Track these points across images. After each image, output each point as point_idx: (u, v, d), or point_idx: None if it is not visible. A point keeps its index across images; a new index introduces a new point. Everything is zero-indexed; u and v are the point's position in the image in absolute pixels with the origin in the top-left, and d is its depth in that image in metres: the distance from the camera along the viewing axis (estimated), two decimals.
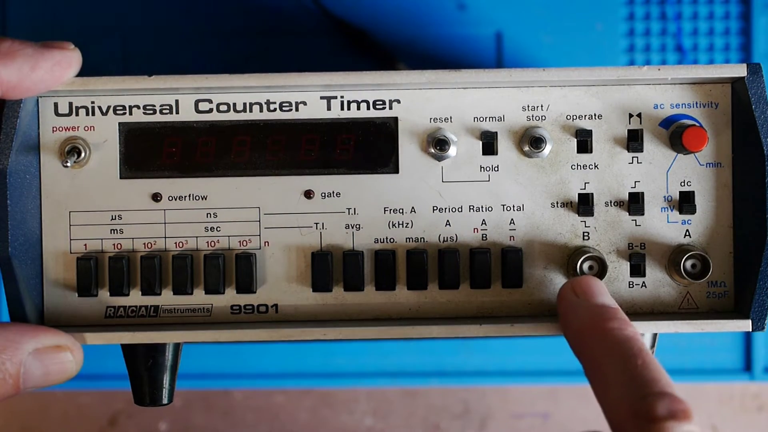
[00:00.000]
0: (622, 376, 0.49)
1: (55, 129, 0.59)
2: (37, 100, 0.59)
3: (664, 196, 0.59)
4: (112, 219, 0.59)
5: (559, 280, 0.59)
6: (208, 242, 0.59)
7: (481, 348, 0.85)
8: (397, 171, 0.59)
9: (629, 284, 0.60)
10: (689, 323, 0.58)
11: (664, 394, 0.48)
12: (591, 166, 0.59)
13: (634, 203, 0.59)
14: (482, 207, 0.59)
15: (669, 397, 0.48)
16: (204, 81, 0.58)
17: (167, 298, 0.59)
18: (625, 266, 0.60)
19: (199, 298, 0.59)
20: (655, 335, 0.59)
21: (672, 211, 0.59)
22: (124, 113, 0.59)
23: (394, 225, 0.60)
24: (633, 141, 0.59)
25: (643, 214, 0.59)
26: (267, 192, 0.59)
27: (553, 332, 0.58)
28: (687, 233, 0.59)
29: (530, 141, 0.59)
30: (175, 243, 0.59)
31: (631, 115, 0.59)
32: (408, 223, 0.60)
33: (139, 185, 0.59)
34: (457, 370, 0.85)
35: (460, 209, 0.59)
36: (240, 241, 0.59)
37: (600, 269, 0.58)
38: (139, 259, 0.59)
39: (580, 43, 0.83)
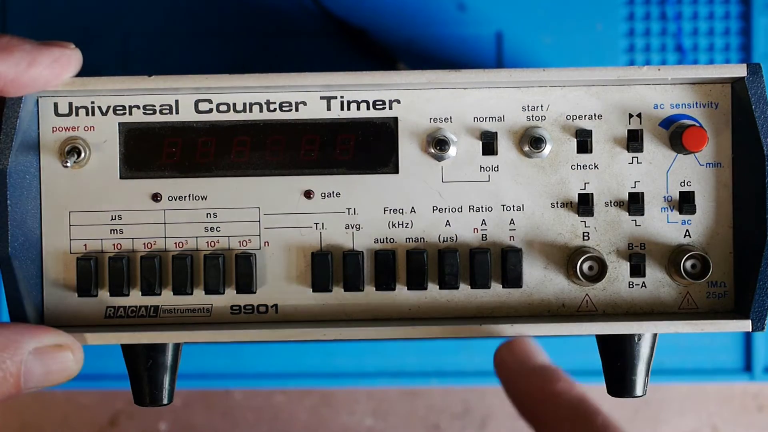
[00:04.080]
0: None
1: (55, 129, 0.59)
2: (37, 100, 0.59)
3: (664, 196, 0.59)
4: (112, 219, 0.59)
5: (559, 280, 0.60)
6: (208, 242, 0.59)
7: (481, 348, 0.85)
8: (397, 171, 0.59)
9: (629, 284, 0.60)
10: (689, 323, 0.58)
11: None
12: (591, 166, 0.59)
13: (634, 203, 0.59)
14: (482, 207, 0.59)
15: None
16: (204, 81, 0.58)
17: (167, 298, 0.59)
18: (625, 266, 0.60)
19: (199, 298, 0.59)
20: (655, 335, 0.59)
21: (672, 211, 0.59)
22: (124, 113, 0.59)
23: (394, 225, 0.60)
24: (633, 141, 0.59)
25: (643, 214, 0.59)
26: (267, 192, 0.59)
27: (554, 332, 0.58)
28: (687, 233, 0.59)
29: (530, 141, 0.59)
30: (175, 243, 0.59)
31: (631, 115, 0.59)
32: (408, 223, 0.60)
33: (139, 185, 0.59)
34: (457, 370, 0.85)
35: (460, 209, 0.59)
36: (240, 241, 0.59)
37: (600, 269, 0.58)
38: (139, 259, 0.59)
39: (580, 43, 0.83)
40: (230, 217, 0.59)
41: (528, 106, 0.59)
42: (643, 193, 0.59)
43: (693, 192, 0.59)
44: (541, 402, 0.49)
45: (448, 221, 0.60)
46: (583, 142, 0.59)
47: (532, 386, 0.50)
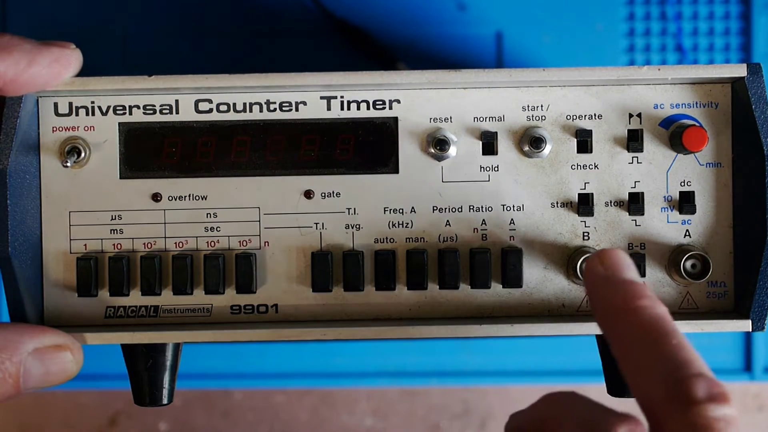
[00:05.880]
0: (656, 358, 0.46)
1: (55, 129, 0.59)
2: (37, 100, 0.59)
3: (664, 196, 0.59)
4: (112, 219, 0.59)
5: (559, 280, 0.60)
6: (208, 242, 0.59)
7: (481, 348, 0.85)
8: (397, 171, 0.59)
9: None
10: (689, 323, 0.58)
11: (702, 376, 0.45)
12: (591, 166, 0.59)
13: (634, 203, 0.59)
14: (482, 207, 0.59)
15: (706, 379, 0.45)
16: (204, 81, 0.58)
17: (167, 298, 0.59)
18: None
19: (199, 298, 0.59)
20: None
21: (672, 211, 0.59)
22: (124, 113, 0.59)
23: (394, 225, 0.60)
24: (633, 141, 0.59)
25: (643, 214, 0.59)
26: (267, 192, 0.59)
27: (554, 332, 0.58)
28: (687, 233, 0.59)
29: (530, 141, 0.59)
30: (175, 243, 0.59)
31: (631, 115, 0.59)
32: (408, 223, 0.60)
33: (139, 185, 0.59)
34: (457, 370, 0.85)
35: (460, 209, 0.59)
36: (240, 241, 0.59)
37: None
38: (139, 259, 0.59)
39: (580, 43, 0.83)
40: (230, 217, 0.59)
41: (528, 106, 0.59)
42: (643, 193, 0.59)
43: (693, 192, 0.59)
44: (620, 315, 0.48)
45: (448, 221, 0.60)
46: (583, 142, 0.59)
47: (615, 298, 0.49)
